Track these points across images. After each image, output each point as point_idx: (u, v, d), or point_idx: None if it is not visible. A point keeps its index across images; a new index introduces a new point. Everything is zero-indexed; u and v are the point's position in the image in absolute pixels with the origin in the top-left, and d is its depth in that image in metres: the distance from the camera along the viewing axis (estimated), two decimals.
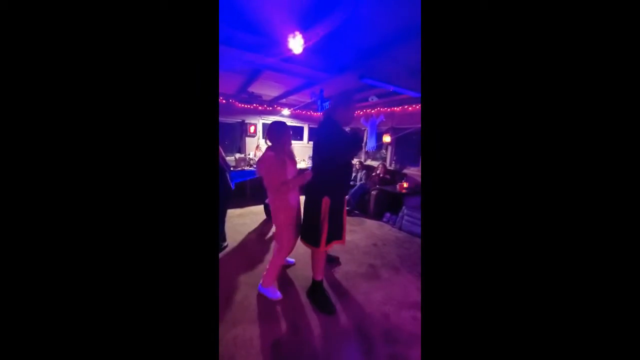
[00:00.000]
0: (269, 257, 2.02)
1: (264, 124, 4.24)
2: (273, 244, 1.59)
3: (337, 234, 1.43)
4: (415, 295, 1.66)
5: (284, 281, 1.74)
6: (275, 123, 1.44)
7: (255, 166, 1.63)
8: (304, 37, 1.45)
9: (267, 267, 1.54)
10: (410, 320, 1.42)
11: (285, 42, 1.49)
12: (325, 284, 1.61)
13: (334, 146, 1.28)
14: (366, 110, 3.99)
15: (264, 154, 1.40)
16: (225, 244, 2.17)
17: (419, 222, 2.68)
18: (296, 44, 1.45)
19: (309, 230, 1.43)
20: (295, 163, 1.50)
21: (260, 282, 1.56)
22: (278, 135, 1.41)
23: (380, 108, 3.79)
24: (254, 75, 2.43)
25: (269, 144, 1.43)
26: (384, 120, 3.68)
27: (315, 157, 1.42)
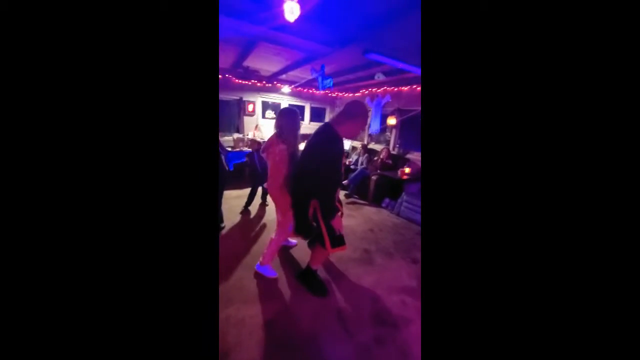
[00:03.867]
0: (265, 238, 2.05)
1: (263, 102, 4.05)
2: (276, 224, 1.60)
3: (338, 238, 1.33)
4: (407, 280, 1.69)
5: (283, 262, 1.78)
6: (287, 111, 1.39)
7: (261, 152, 1.55)
8: (300, 2, 1.28)
9: (267, 245, 1.56)
10: (399, 304, 1.46)
11: (281, 8, 1.32)
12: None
13: (323, 156, 1.20)
14: (371, 90, 3.75)
15: (273, 144, 1.35)
16: (223, 225, 2.20)
17: (418, 209, 2.66)
18: (291, 10, 1.29)
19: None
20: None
21: (259, 260, 1.59)
22: (290, 125, 1.34)
23: (386, 87, 3.55)
24: (248, 47, 2.24)
25: (278, 132, 1.37)
26: (390, 100, 3.47)
27: (305, 157, 1.30)
